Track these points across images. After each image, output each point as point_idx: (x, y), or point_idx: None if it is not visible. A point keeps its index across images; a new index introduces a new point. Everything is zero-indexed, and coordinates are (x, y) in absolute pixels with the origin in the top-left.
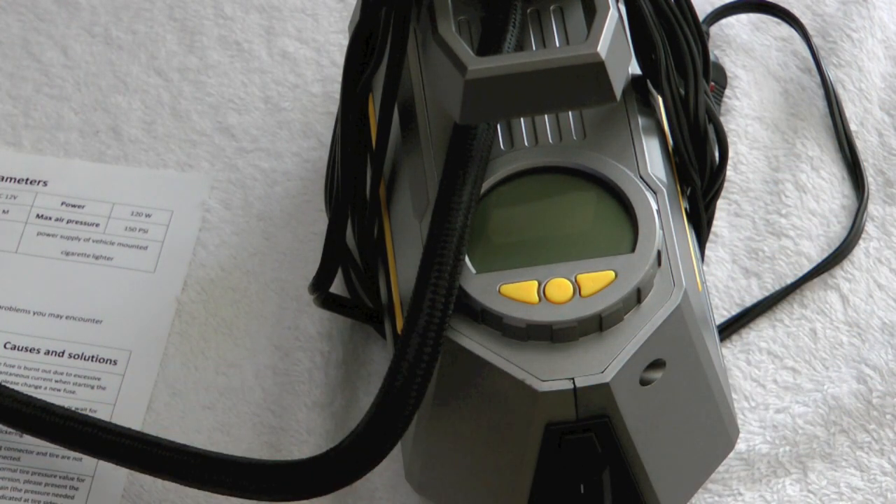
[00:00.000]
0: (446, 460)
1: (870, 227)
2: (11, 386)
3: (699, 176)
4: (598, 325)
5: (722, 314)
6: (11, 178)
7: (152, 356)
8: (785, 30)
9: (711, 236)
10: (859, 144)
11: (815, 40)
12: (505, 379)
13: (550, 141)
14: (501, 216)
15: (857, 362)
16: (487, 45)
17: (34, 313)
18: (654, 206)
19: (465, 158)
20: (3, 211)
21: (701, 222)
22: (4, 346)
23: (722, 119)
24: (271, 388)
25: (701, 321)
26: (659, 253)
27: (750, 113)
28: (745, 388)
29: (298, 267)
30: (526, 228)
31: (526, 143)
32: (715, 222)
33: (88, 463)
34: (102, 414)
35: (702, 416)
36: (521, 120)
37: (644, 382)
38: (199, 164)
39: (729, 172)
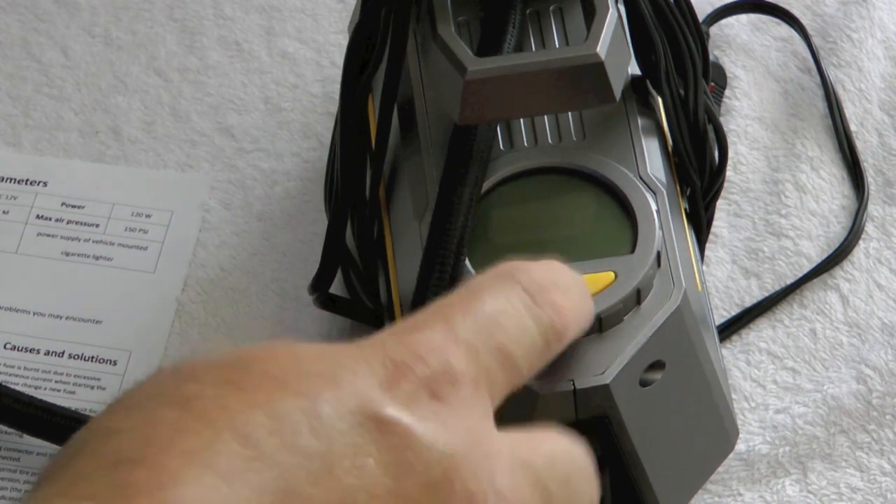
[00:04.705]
0: None
1: (870, 228)
2: (11, 386)
3: (699, 176)
4: (598, 326)
5: (722, 314)
6: (11, 179)
7: (152, 356)
8: (785, 30)
9: (711, 237)
10: (859, 145)
11: (815, 40)
12: None
13: (550, 141)
14: (501, 217)
15: (856, 363)
16: (487, 45)
17: (34, 313)
18: (654, 207)
19: (464, 159)
20: (3, 211)
21: (701, 223)
22: (4, 347)
23: (722, 119)
24: None
25: (701, 322)
26: (659, 254)
27: (750, 113)
28: (745, 389)
29: (298, 267)
30: (526, 229)
31: (525, 144)
32: (715, 223)
33: None
34: None
35: (702, 416)
36: (521, 120)
37: (644, 383)
38: (199, 165)
39: (729, 173)
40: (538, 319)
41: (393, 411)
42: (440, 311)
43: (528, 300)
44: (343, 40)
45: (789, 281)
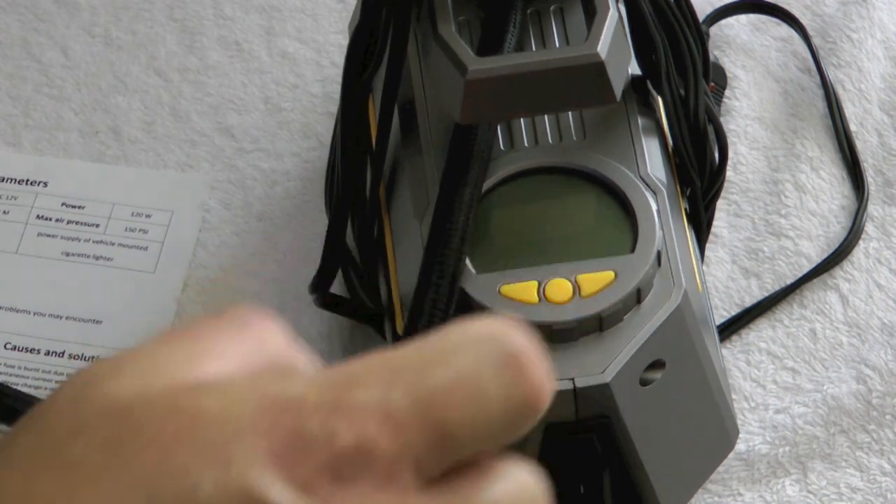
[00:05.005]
0: None
1: (869, 228)
2: (11, 387)
3: (699, 176)
4: (598, 325)
5: (722, 314)
6: (12, 179)
7: None
8: (785, 30)
9: (711, 236)
10: (859, 145)
11: (815, 41)
12: None
13: (550, 141)
14: (502, 217)
15: (856, 363)
16: (488, 45)
17: (34, 314)
18: (654, 207)
19: (465, 159)
20: (4, 212)
21: (701, 223)
22: (4, 347)
23: (722, 119)
24: None
25: (701, 321)
26: (659, 253)
27: (750, 113)
28: (745, 389)
29: (298, 267)
30: (526, 229)
31: (526, 144)
32: (715, 222)
33: None
34: None
35: (702, 416)
36: (521, 120)
37: (644, 383)
38: (199, 165)
39: (729, 173)
40: (509, 396)
41: (279, 498)
42: (389, 368)
43: (508, 374)
44: (343, 40)
45: (789, 281)
